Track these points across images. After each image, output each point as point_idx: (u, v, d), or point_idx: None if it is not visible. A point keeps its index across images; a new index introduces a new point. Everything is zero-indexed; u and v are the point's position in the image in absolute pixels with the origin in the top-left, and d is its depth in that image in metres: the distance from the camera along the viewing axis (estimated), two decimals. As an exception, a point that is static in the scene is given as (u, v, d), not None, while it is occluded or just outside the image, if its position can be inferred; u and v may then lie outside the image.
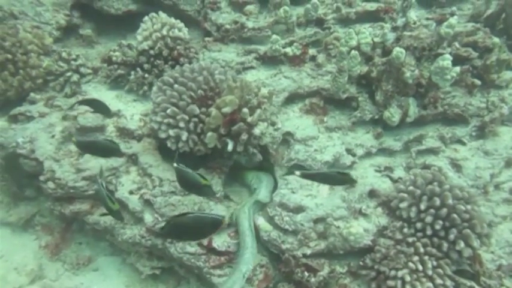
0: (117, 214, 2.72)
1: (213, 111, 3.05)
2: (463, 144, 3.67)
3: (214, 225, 2.36)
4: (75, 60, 3.86)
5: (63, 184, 3.22)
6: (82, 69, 3.90)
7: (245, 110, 3.03)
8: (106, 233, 3.43)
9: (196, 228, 2.35)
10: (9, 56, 3.69)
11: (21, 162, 3.38)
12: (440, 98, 3.65)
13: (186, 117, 3.12)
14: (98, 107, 3.32)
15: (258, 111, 3.05)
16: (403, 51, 3.30)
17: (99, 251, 3.71)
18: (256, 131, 3.08)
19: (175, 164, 2.61)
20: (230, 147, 3.10)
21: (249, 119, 3.04)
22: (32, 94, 3.69)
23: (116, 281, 3.58)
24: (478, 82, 3.71)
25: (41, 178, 3.25)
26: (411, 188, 3.07)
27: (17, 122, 3.56)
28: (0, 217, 3.69)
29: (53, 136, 3.41)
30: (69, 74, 3.81)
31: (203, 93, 3.21)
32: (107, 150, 2.89)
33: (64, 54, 3.83)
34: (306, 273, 2.87)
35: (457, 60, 3.73)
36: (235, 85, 3.11)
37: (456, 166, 3.51)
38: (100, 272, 3.64)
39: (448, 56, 3.27)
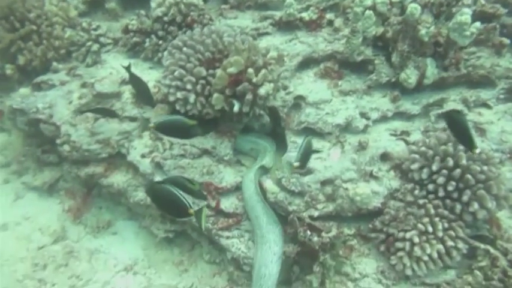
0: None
1: (218, 71, 3.04)
2: (489, 107, 3.46)
3: (179, 210, 2.39)
4: (95, 30, 3.98)
5: (78, 147, 3.34)
6: (102, 39, 4.01)
7: (250, 70, 2.99)
8: (120, 196, 3.53)
9: (168, 202, 2.44)
10: (34, 27, 3.85)
11: (42, 127, 3.53)
12: (464, 59, 3.46)
13: (193, 79, 3.13)
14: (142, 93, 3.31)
15: (263, 71, 3.01)
16: (418, 7, 3.14)
17: (118, 215, 3.83)
18: (261, 91, 3.03)
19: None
20: (236, 108, 3.08)
21: (254, 79, 3.01)
22: (54, 63, 3.84)
23: (134, 244, 3.70)
24: (506, 41, 3.48)
25: (58, 141, 3.39)
26: (423, 148, 2.93)
27: (40, 90, 3.72)
28: (27, 181, 3.89)
29: (70, 102, 3.53)
30: (89, 43, 3.92)
31: (211, 56, 3.21)
32: (186, 129, 2.86)
33: (84, 24, 3.95)
34: (308, 233, 2.81)
35: (483, 18, 3.51)
36: (243, 47, 3.08)
37: (480, 130, 3.31)
38: (118, 235, 3.76)
39: (466, 10, 3.08)
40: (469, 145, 2.48)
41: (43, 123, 3.52)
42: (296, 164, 2.68)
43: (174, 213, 2.59)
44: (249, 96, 3.04)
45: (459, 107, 3.38)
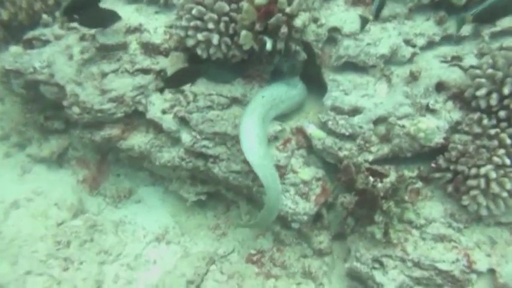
0: None
1: (244, 4, 2.59)
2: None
3: None
4: (86, -27, 3.44)
5: (89, 108, 2.90)
6: (95, -16, 3.48)
7: (282, -2, 2.55)
8: (142, 160, 3.15)
9: None
10: (15, -25, 3.33)
11: (42, 89, 3.08)
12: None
13: (215, 17, 2.68)
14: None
15: (298, -2, 2.57)
16: None
17: (139, 182, 3.49)
18: (298, 22, 2.60)
19: None
20: (269, 45, 2.65)
21: (288, 9, 2.56)
22: (44, 16, 3.33)
23: (161, 211, 3.39)
24: None
25: (65, 103, 2.95)
26: (490, 71, 2.54)
27: (33, 48, 3.23)
28: (32, 153, 3.48)
29: (71, 58, 3.06)
30: (81, -10, 3.40)
31: (232, -13, 2.74)
32: None
33: (73, -32, 3.41)
34: (371, 179, 2.47)
35: None
36: (269, -28, 2.62)
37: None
38: (143, 204, 3.44)
39: None
40: None
41: (43, 85, 3.06)
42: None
43: None
44: (283, 30, 2.60)
45: (516, 23, 2.98)
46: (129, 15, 3.26)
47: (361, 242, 2.72)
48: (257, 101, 2.80)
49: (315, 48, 2.98)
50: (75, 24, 3.31)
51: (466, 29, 3.00)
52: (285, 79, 3.03)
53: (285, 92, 2.94)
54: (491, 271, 2.53)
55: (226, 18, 2.71)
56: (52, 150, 3.43)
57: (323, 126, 2.80)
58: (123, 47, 3.13)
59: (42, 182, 3.39)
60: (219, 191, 3.16)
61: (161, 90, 3.01)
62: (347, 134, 2.70)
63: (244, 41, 2.68)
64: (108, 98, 2.92)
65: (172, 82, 2.88)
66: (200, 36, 2.73)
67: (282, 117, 2.97)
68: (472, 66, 2.78)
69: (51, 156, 3.43)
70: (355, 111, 2.76)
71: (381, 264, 2.66)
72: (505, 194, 2.42)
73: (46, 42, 3.22)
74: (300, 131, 2.89)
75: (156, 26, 3.22)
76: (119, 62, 3.09)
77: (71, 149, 3.50)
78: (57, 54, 3.09)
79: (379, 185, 2.43)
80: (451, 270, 2.51)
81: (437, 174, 2.65)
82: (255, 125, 2.71)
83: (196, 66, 2.92)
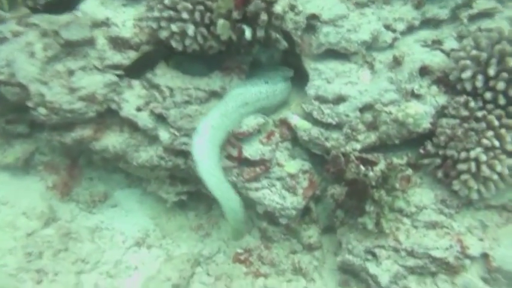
0: None
1: (221, -8, 2.46)
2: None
3: None
4: (44, -35, 3.20)
5: (57, 108, 2.69)
6: (55, -24, 3.25)
7: (261, -16, 2.43)
8: (117, 161, 2.97)
9: None
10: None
11: (2, 90, 2.84)
12: None
13: (189, 6, 2.53)
14: None
15: (277, -18, 2.45)
16: None
17: (114, 185, 3.29)
18: (278, 8, 2.50)
19: None
20: (248, 34, 2.53)
21: (267, -5, 2.45)
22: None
23: (139, 214, 3.22)
24: None
25: (30, 104, 2.72)
26: (474, 52, 2.51)
27: (-12, 47, 2.99)
28: (-5, 160, 3.23)
29: (33, 55, 2.83)
30: (41, -17, 3.16)
31: (206, -26, 2.59)
32: None
33: (30, -40, 3.17)
34: (363, 168, 2.39)
35: None
36: (244, -43, 2.49)
37: (519, 28, 2.92)
38: (119, 207, 3.26)
39: None
40: None
41: (4, 85, 2.81)
42: None
43: None
44: (263, 17, 2.49)
45: (491, 3, 2.96)
46: (94, 9, 3.05)
47: (352, 234, 2.64)
48: (258, 88, 2.78)
49: (294, 37, 2.87)
50: (34, 20, 3.07)
51: (444, 12, 2.97)
52: (279, 69, 2.97)
53: (284, 82, 2.91)
54: (485, 255, 2.50)
55: (201, 7, 2.56)
56: (16, 156, 3.17)
57: (307, 116, 2.71)
58: (90, 42, 2.92)
59: (7, 191, 3.13)
60: (200, 190, 3.01)
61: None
62: (334, 123, 2.61)
63: (222, 31, 2.54)
64: (78, 96, 2.71)
65: (134, 70, 2.76)
66: (174, 27, 2.57)
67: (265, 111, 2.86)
68: (453, 49, 2.75)
69: (15, 162, 3.18)
70: (339, 99, 2.67)
71: (374, 255, 2.59)
72: (495, 177, 2.40)
73: (3, 40, 2.96)
74: (283, 123, 2.79)
75: (125, 19, 3.02)
76: (86, 59, 2.89)
77: (37, 153, 3.25)
78: (17, 52, 2.84)
79: (371, 173, 2.35)
80: (445, 257, 2.46)
81: (426, 160, 2.60)
82: (232, 108, 2.66)
83: (156, 51, 2.81)
